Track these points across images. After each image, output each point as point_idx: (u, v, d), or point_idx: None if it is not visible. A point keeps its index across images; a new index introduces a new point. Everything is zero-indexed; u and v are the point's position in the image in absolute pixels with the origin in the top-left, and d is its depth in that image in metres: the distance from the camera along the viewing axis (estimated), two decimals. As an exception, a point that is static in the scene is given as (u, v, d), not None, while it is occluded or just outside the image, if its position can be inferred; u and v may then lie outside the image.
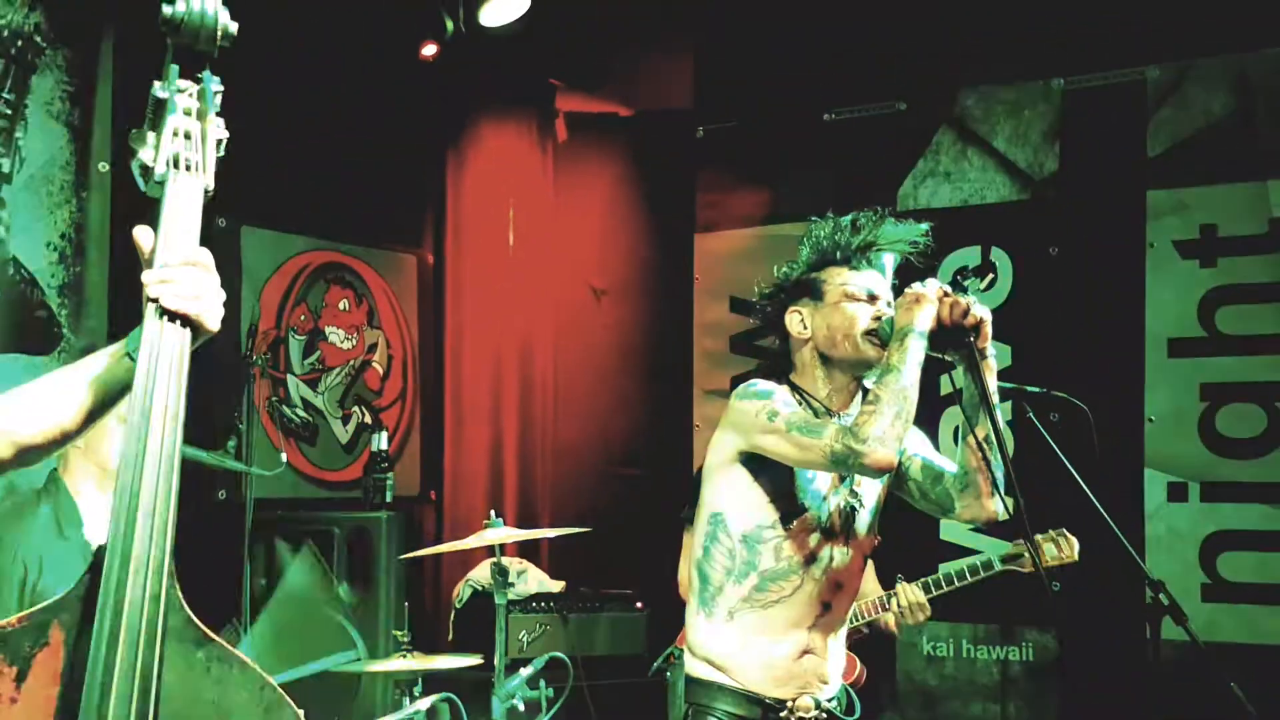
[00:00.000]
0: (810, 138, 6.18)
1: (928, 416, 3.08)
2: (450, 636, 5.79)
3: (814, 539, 3.02)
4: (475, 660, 4.52)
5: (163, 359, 1.92)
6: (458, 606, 5.83)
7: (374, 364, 6.54)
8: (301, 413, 6.14)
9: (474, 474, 6.89)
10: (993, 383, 2.89)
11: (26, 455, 2.12)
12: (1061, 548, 4.19)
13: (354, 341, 6.43)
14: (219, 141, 2.04)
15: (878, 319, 2.99)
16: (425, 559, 6.26)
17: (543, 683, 4.52)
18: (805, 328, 3.07)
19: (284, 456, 5.06)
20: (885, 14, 5.84)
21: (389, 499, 5.68)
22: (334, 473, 6.26)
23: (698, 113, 6.56)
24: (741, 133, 6.43)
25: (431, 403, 6.81)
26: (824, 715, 3.06)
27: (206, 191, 2.00)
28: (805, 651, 3.04)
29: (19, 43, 3.66)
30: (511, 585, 4.92)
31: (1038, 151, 5.73)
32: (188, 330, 1.94)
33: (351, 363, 6.41)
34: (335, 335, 6.33)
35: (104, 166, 5.00)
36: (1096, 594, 4.89)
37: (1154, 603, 3.27)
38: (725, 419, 3.10)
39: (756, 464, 3.01)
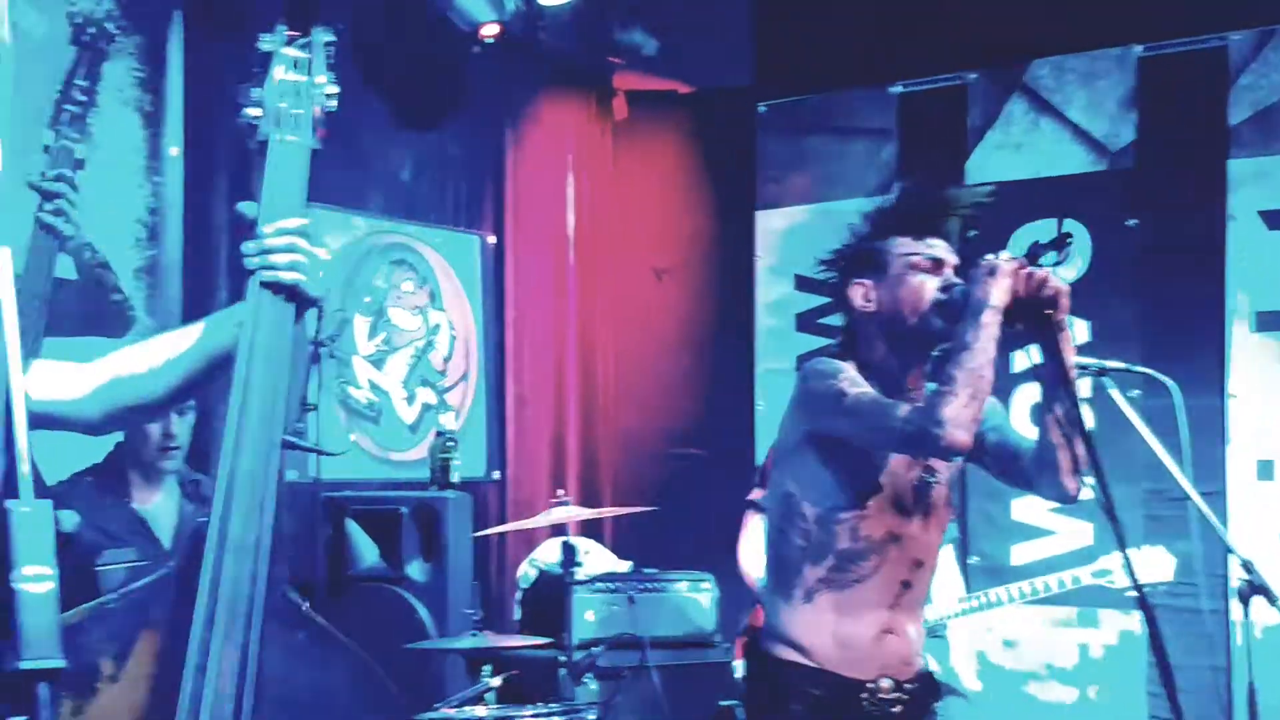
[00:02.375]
0: (876, 111, 6.11)
1: (1000, 391, 3.00)
2: (516, 616, 5.78)
3: (890, 517, 2.96)
4: (544, 640, 4.52)
5: (262, 332, 1.88)
6: (523, 587, 5.82)
7: (437, 345, 6.54)
8: (367, 394, 6.15)
9: (536, 454, 6.88)
10: (1071, 358, 2.79)
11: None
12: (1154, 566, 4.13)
13: (417, 322, 6.43)
14: (327, 98, 1.99)
15: (946, 289, 2.89)
16: (488, 539, 6.26)
17: (613, 662, 4.51)
18: (869, 301, 2.96)
19: (352, 438, 5.06)
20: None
21: (455, 479, 5.68)
22: (399, 453, 6.27)
23: (759, 88, 6.50)
24: (804, 107, 6.37)
25: (494, 383, 6.81)
26: (905, 697, 3.01)
27: (311, 151, 1.95)
28: (886, 631, 2.98)
29: (91, 30, 3.66)
30: (579, 565, 4.91)
31: (1114, 121, 5.63)
32: (290, 302, 1.91)
33: (415, 344, 6.41)
34: (399, 316, 6.34)
35: (175, 150, 5.03)
36: (1182, 572, 4.81)
37: (1245, 584, 3.20)
38: (792, 400, 3.03)
39: (827, 444, 2.94)
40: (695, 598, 5.60)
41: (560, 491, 4.65)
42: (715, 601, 5.63)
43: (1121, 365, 3.20)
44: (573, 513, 4.42)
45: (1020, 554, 5.66)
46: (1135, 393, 3.47)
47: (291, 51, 2.00)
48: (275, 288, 1.90)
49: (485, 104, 6.71)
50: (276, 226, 1.91)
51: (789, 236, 6.42)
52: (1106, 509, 2.68)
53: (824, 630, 2.97)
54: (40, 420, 2.13)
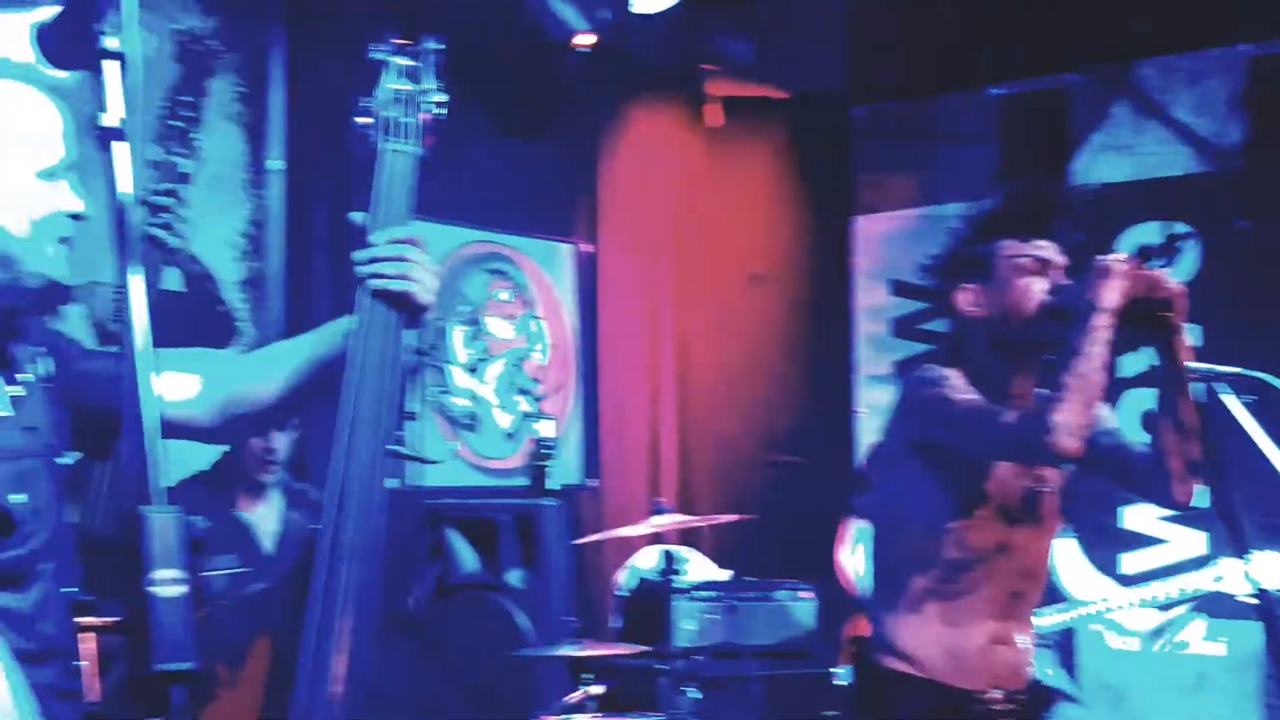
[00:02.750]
0: (975, 114, 6.04)
1: (1110, 396, 2.93)
2: (615, 624, 5.79)
3: (998, 527, 2.89)
4: (643, 647, 4.51)
5: (371, 340, 1.88)
6: (622, 594, 5.82)
7: (534, 353, 6.57)
8: (465, 402, 6.20)
9: (632, 462, 6.88)
10: (1186, 361, 2.72)
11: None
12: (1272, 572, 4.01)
13: (514, 331, 6.47)
14: (437, 106, 2.00)
15: (1055, 290, 2.81)
16: (585, 547, 6.27)
17: (713, 671, 4.50)
18: (976, 306, 2.89)
19: (457, 447, 5.09)
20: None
21: (552, 487, 5.70)
22: (497, 461, 6.31)
23: (855, 92, 6.46)
24: (901, 112, 6.32)
25: (590, 391, 6.83)
26: (1015, 708, 2.96)
27: (420, 160, 1.96)
28: (996, 642, 2.93)
29: (196, 48, 3.74)
30: (680, 572, 4.90)
31: (1222, 121, 5.52)
32: (398, 311, 1.91)
33: (512, 352, 6.45)
34: (496, 325, 6.38)
35: (277, 164, 5.10)
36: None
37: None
38: (895, 408, 2.98)
39: (932, 453, 2.88)
40: (795, 607, 5.56)
41: (660, 499, 4.64)
42: (815, 611, 5.59)
43: (1235, 370, 3.13)
44: (674, 520, 4.41)
45: (1131, 563, 5.57)
46: (1249, 398, 3.38)
47: (401, 60, 2.01)
48: (384, 296, 1.90)
49: (580, 113, 6.74)
50: (387, 235, 1.91)
51: (886, 242, 6.37)
52: (1227, 513, 2.62)
53: (932, 641, 2.92)
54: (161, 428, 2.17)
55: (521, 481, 5.90)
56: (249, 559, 4.14)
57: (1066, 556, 4.33)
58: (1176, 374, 2.71)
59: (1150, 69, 5.68)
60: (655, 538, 5.22)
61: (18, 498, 1.82)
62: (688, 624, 5.26)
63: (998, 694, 2.92)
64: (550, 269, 6.67)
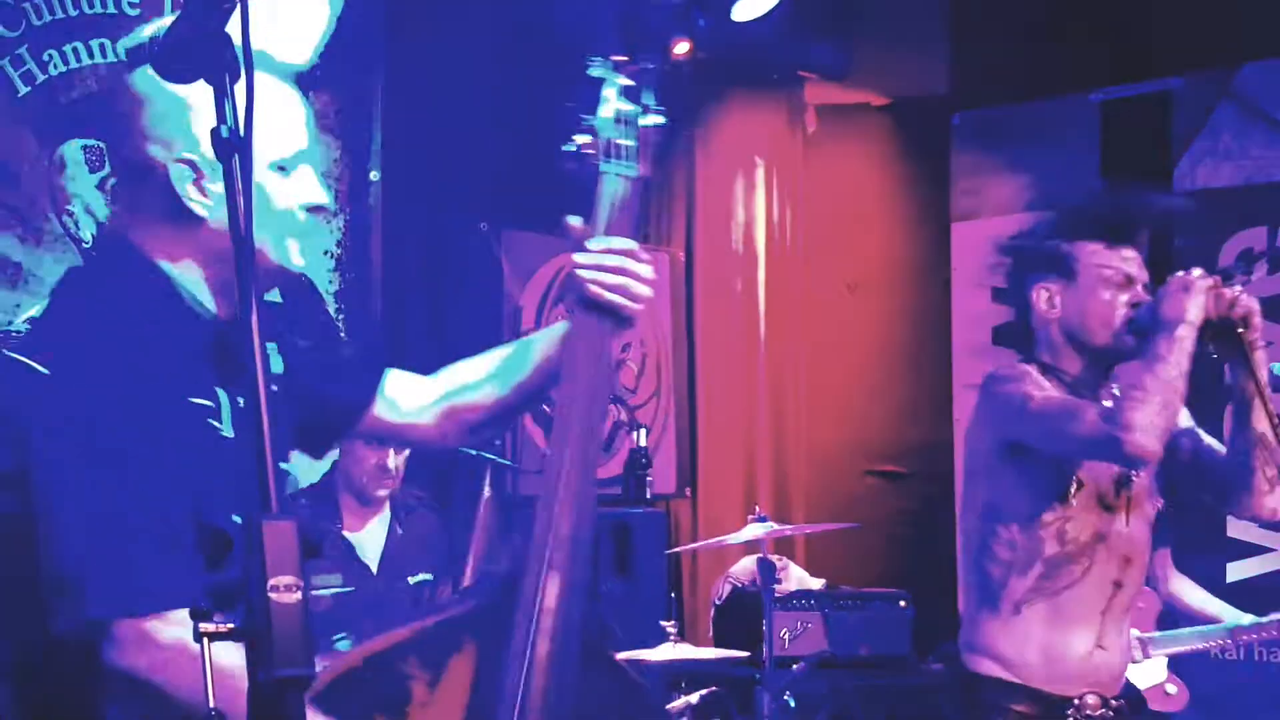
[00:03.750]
0: (1076, 120, 5.98)
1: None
2: (710, 633, 5.79)
3: (1095, 515, 2.90)
4: (741, 654, 4.51)
5: (582, 346, 1.87)
6: (717, 604, 5.82)
7: (628, 362, 6.59)
8: (561, 411, 6.23)
9: (727, 471, 6.88)
10: (1265, 375, 2.77)
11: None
12: None
13: (609, 339, 6.49)
14: (656, 126, 1.97)
15: (1135, 305, 2.85)
16: (680, 556, 6.28)
17: (815, 680, 4.49)
18: (1054, 306, 2.91)
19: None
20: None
21: (648, 495, 5.72)
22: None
23: (953, 98, 6.41)
24: (1000, 117, 6.26)
25: (684, 400, 6.83)
26: (1111, 714, 2.94)
27: (640, 179, 1.94)
28: (1097, 645, 2.92)
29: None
30: (778, 582, 4.89)
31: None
32: (609, 321, 1.90)
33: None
34: (591, 334, 6.41)
35: (375, 175, 5.17)
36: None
37: None
38: (977, 410, 3.00)
39: (1020, 450, 2.89)
40: (891, 616, 5.53)
41: (757, 508, 4.65)
42: (911, 620, 5.55)
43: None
44: (771, 529, 4.41)
45: (1237, 571, 5.48)
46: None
47: (621, 79, 1.97)
48: (599, 305, 1.89)
49: (675, 120, 6.75)
50: (607, 243, 1.91)
51: (987, 249, 6.31)
52: None
53: (1032, 644, 2.92)
54: (382, 433, 2.20)
55: (617, 491, 5.93)
56: (352, 577, 4.17)
57: (1172, 569, 4.28)
58: (1257, 388, 2.76)
59: (1253, 72, 5.59)
60: (751, 546, 5.22)
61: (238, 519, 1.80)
62: (783, 633, 5.25)
63: (1093, 699, 2.91)
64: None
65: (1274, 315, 5.29)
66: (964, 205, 6.40)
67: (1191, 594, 4.39)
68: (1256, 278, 5.25)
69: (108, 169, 4.30)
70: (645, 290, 1.93)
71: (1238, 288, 2.75)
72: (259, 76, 1.39)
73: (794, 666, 4.39)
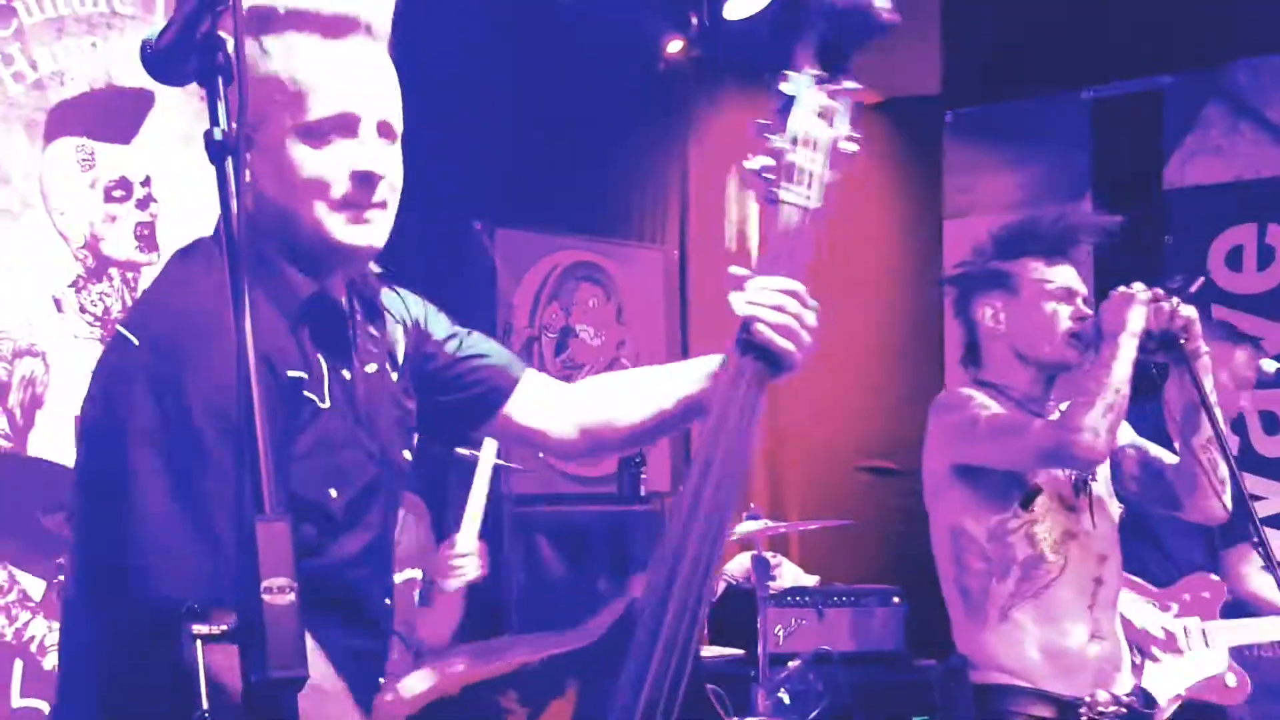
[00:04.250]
0: (1068, 117, 6.00)
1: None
2: (704, 630, 5.80)
3: (1060, 515, 2.98)
4: (736, 652, 4.52)
5: (736, 393, 1.75)
6: (711, 601, 5.84)
7: (623, 360, 6.59)
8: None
9: (722, 468, 6.88)
10: (1208, 383, 2.89)
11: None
12: None
13: (603, 338, 6.50)
14: (845, 154, 1.80)
15: (1081, 319, 2.96)
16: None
17: (810, 677, 4.51)
18: (999, 322, 3.02)
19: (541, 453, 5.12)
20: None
21: (643, 493, 5.74)
22: (586, 468, 6.34)
23: (946, 96, 6.43)
24: (992, 115, 6.28)
25: (679, 398, 6.83)
26: (1123, 711, 2.97)
27: (818, 212, 1.79)
28: (1093, 636, 2.97)
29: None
30: (772, 579, 4.91)
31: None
32: (768, 364, 1.79)
33: (602, 359, 6.48)
34: (585, 332, 6.41)
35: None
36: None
37: None
38: (928, 437, 3.10)
39: (972, 471, 2.99)
40: (884, 612, 5.55)
41: (751, 505, 4.67)
42: (904, 616, 5.57)
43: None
44: (764, 526, 4.42)
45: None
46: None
47: (817, 98, 1.80)
48: (762, 347, 1.79)
49: (669, 119, 6.76)
50: (777, 283, 1.80)
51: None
52: (1253, 523, 2.80)
53: (1029, 645, 2.97)
54: (515, 434, 2.16)
55: (612, 489, 5.94)
56: None
57: (1256, 565, 4.19)
58: (1200, 397, 2.87)
59: (1243, 70, 5.61)
60: (745, 544, 5.24)
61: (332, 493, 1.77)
62: (777, 630, 5.27)
63: (1104, 695, 2.94)
64: (639, 275, 6.69)
65: (1265, 312, 5.33)
66: (957, 203, 6.41)
67: (1273, 593, 4.34)
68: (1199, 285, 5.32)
69: (98, 168, 4.30)
70: (808, 338, 1.82)
71: (1176, 300, 2.89)
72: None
73: (789, 663, 4.41)
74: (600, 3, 5.89)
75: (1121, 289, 2.89)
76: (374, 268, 2.02)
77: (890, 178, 7.06)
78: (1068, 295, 3.00)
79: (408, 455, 1.99)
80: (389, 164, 1.90)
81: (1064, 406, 2.94)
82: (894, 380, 6.92)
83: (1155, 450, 3.10)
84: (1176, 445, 3.02)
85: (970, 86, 6.32)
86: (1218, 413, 2.88)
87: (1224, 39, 5.60)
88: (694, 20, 6.17)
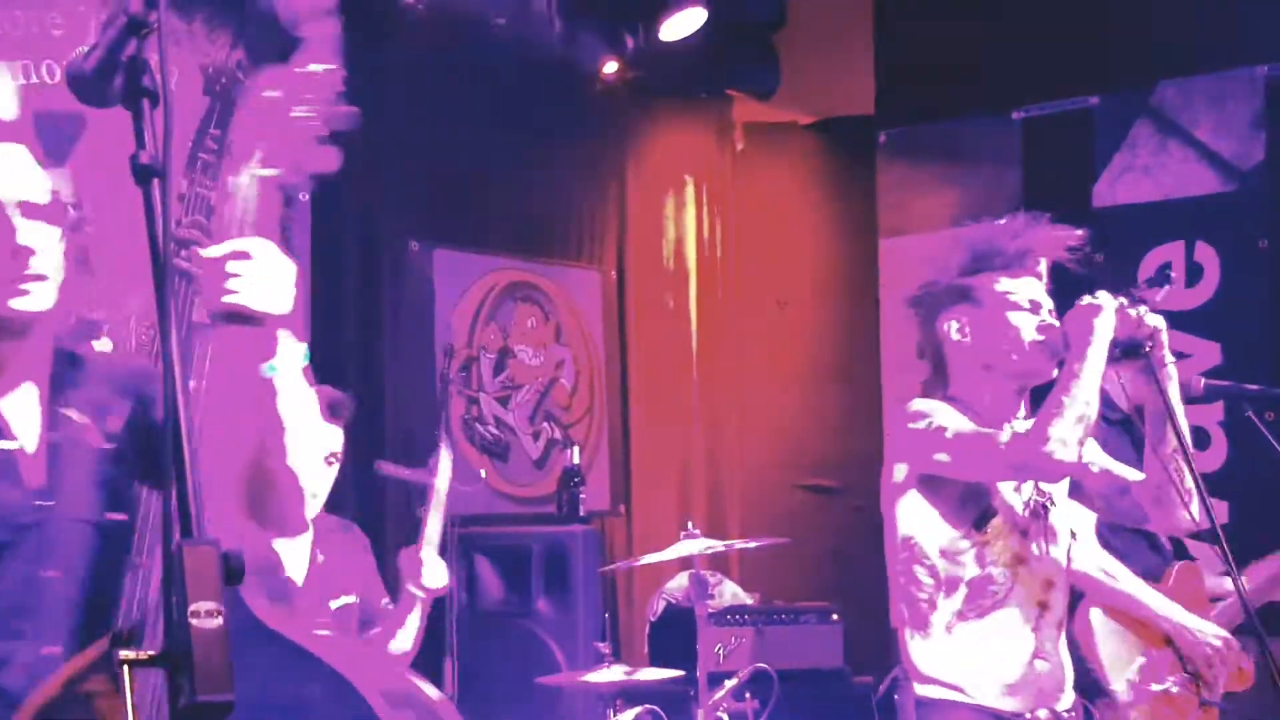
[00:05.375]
0: (999, 137, 6.07)
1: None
2: (646, 649, 5.80)
3: (1012, 539, 2.96)
4: (676, 673, 4.52)
5: None
6: (652, 620, 5.83)
7: (561, 380, 6.59)
8: (494, 430, 6.22)
9: (661, 487, 6.89)
10: (1174, 392, 2.88)
11: None
12: None
13: (542, 358, 6.50)
14: None
15: (1046, 329, 2.93)
16: (616, 574, 6.28)
17: (747, 695, 4.51)
18: (965, 335, 2.98)
19: (483, 473, 5.12)
20: (1073, 4, 5.70)
21: (582, 513, 5.73)
22: (526, 488, 6.33)
23: (879, 117, 6.49)
24: (925, 135, 6.34)
25: (617, 417, 6.85)
26: None
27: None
28: (1036, 655, 2.96)
29: (223, 80, 3.78)
30: (711, 597, 4.91)
31: (1243, 141, 5.53)
32: None
33: (540, 380, 6.48)
34: (524, 353, 6.41)
35: (303, 196, 5.14)
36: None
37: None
38: (893, 445, 3.06)
39: (935, 482, 2.96)
40: (823, 630, 5.56)
41: (690, 524, 4.67)
42: (842, 633, 5.59)
43: (1257, 388, 3.19)
44: (704, 545, 4.42)
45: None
46: (1271, 415, 3.40)
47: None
48: None
49: (605, 140, 6.78)
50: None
51: (915, 264, 6.38)
52: (1212, 533, 2.76)
53: (973, 660, 2.95)
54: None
55: (551, 509, 5.93)
56: (275, 593, 4.13)
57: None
58: (1166, 405, 2.86)
59: (1171, 90, 5.69)
60: (685, 563, 5.24)
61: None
62: (717, 648, 5.27)
63: (1044, 714, 2.94)
64: (577, 296, 6.70)
65: (1193, 329, 5.38)
66: (891, 221, 6.46)
67: None
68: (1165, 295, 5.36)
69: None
70: None
71: (1143, 307, 2.87)
72: None
73: (727, 682, 4.40)
74: (536, 24, 5.90)
75: (1088, 298, 2.87)
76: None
77: (825, 197, 7.12)
78: (1033, 307, 2.97)
79: None
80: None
81: (1028, 422, 2.90)
82: (832, 399, 6.96)
83: (1120, 468, 3.06)
84: (1145, 456, 2.99)
85: (903, 107, 6.38)
86: (1183, 423, 2.86)
87: (1152, 60, 5.69)
88: (629, 42, 6.19)
